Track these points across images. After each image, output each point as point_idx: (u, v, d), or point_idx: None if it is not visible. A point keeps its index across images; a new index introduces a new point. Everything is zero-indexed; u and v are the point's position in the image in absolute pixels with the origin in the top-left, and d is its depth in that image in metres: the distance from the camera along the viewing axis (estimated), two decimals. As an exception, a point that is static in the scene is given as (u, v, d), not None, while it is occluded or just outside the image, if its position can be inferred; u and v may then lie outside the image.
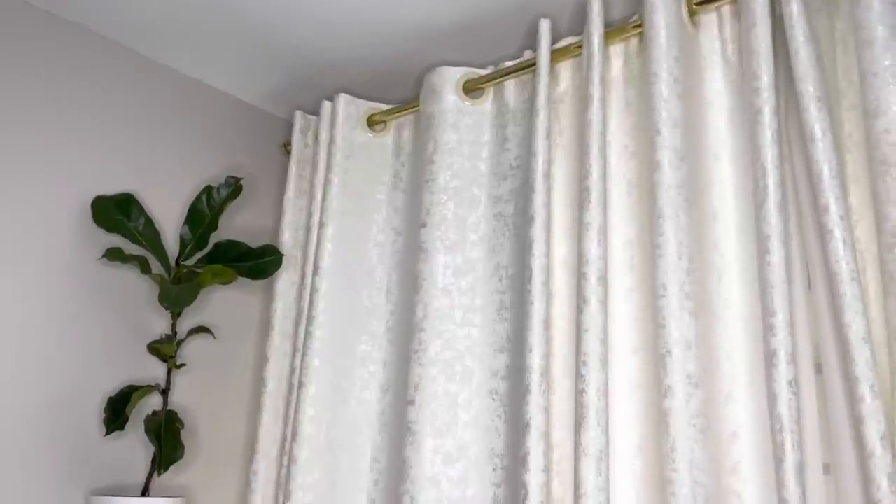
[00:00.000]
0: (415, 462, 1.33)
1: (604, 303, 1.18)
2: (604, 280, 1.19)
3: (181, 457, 1.39)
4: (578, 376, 1.14)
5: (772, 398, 0.99)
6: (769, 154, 1.09)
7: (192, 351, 1.63)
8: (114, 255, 1.40)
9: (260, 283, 1.78)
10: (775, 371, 1.00)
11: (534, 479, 1.16)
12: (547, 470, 1.19)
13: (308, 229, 1.64)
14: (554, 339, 1.30)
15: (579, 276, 1.20)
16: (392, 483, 1.40)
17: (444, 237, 1.44)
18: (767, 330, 1.02)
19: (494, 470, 1.30)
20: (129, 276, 1.55)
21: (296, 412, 1.46)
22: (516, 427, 1.26)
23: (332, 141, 1.61)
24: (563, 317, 1.31)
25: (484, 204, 1.47)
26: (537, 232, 1.28)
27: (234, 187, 1.56)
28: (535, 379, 1.21)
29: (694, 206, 1.18)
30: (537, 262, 1.26)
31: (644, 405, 1.18)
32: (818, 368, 1.08)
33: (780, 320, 1.00)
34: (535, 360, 1.22)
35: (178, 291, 1.42)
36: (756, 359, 1.10)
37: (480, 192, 1.48)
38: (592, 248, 1.20)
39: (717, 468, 1.10)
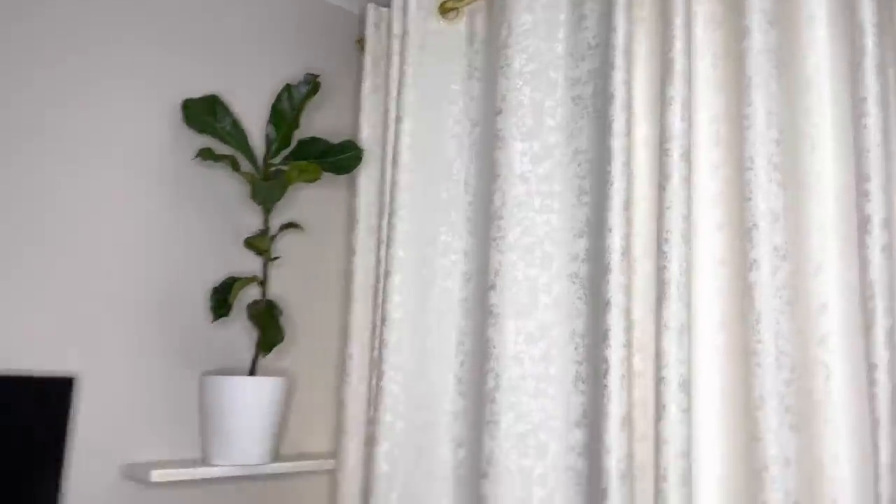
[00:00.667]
0: (498, 342, 1.39)
1: (687, 179, 1.16)
2: (687, 156, 1.16)
3: (281, 340, 1.49)
4: (660, 253, 1.14)
5: (864, 264, 0.97)
6: (867, 12, 1.01)
7: (284, 246, 1.72)
8: (206, 154, 1.48)
9: (343, 179, 1.84)
10: (868, 237, 0.97)
11: (614, 354, 1.19)
12: (628, 345, 1.21)
13: (386, 124, 1.67)
14: (634, 219, 1.29)
15: (661, 153, 1.17)
16: (477, 363, 1.47)
17: (520, 124, 1.43)
18: (861, 196, 0.98)
19: (576, 348, 1.34)
20: (220, 176, 1.63)
21: (384, 299, 1.53)
22: (597, 307, 1.28)
23: (405, 32, 1.60)
24: (644, 198, 1.30)
25: (561, 87, 1.44)
26: (617, 111, 1.25)
27: (313, 84, 1.58)
28: (615, 259, 1.22)
29: (785, 73, 1.12)
30: (617, 143, 1.24)
31: (728, 281, 1.18)
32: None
33: (874, 185, 0.96)
34: (615, 241, 1.22)
35: (267, 188, 1.49)
36: (848, 229, 1.07)
37: (557, 74, 1.45)
38: (676, 124, 1.17)
39: (805, 339, 1.09)
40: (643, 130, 1.30)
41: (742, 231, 1.10)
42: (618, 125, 1.24)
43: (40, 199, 1.38)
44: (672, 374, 1.10)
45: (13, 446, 1.26)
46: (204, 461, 1.48)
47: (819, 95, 1.12)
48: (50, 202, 1.39)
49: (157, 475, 1.36)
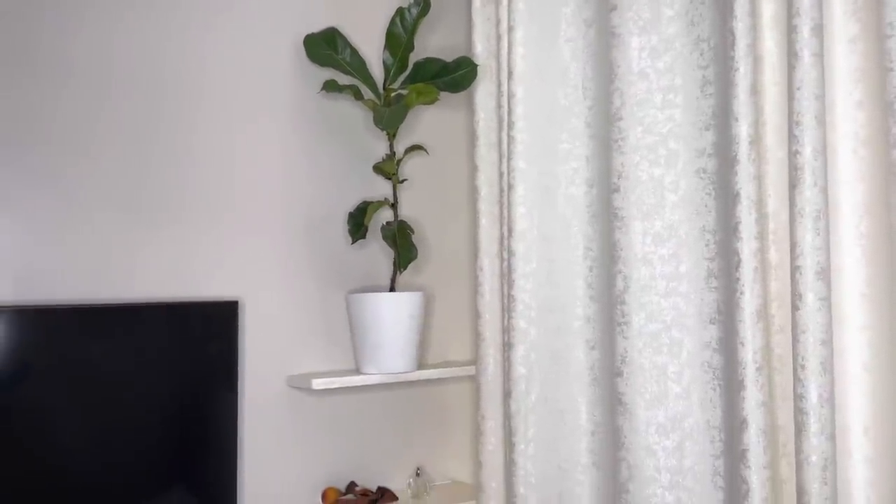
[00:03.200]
0: (624, 245, 1.39)
1: (819, 55, 1.08)
2: (818, 31, 1.08)
3: (416, 257, 1.59)
4: (791, 137, 1.09)
5: None
6: None
7: (411, 169, 1.79)
8: (331, 86, 1.55)
9: (461, 98, 1.87)
10: None
11: (746, 246, 1.16)
12: (761, 238, 1.18)
13: (498, 37, 1.66)
14: (764, 106, 1.23)
15: (789, 30, 1.10)
16: (605, 266, 1.48)
17: (636, 17, 1.38)
18: None
19: (706, 245, 1.32)
20: (345, 106, 1.71)
21: (509, 212, 1.57)
22: (726, 200, 1.25)
23: (510, -62, 1.57)
24: (774, 82, 1.23)
25: (678, -27, 1.36)
26: (739, -9, 1.17)
27: (423, 4, 1.60)
28: (742, 149, 1.17)
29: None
30: (740, 25, 1.17)
31: (870, 162, 1.10)
32: None
33: None
34: (742, 129, 1.17)
35: (389, 113, 1.55)
36: None
37: (673, -40, 1.37)
38: (804, -4, 1.08)
39: (960, 217, 1.01)
40: (769, 10, 1.21)
41: (884, 105, 1.02)
42: (740, 4, 1.17)
43: (191, 144, 1.53)
44: (808, 262, 1.07)
45: (193, 364, 1.45)
46: (357, 371, 1.63)
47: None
48: (200, 145, 1.54)
49: (317, 384, 1.52)
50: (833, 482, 1.04)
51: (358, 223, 1.60)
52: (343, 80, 1.66)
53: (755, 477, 1.11)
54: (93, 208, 1.43)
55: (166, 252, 1.49)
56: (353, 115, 1.73)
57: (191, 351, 1.45)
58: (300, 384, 1.57)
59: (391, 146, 1.64)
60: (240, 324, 1.56)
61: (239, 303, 1.55)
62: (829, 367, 1.05)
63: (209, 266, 1.54)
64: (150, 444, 1.40)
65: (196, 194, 1.53)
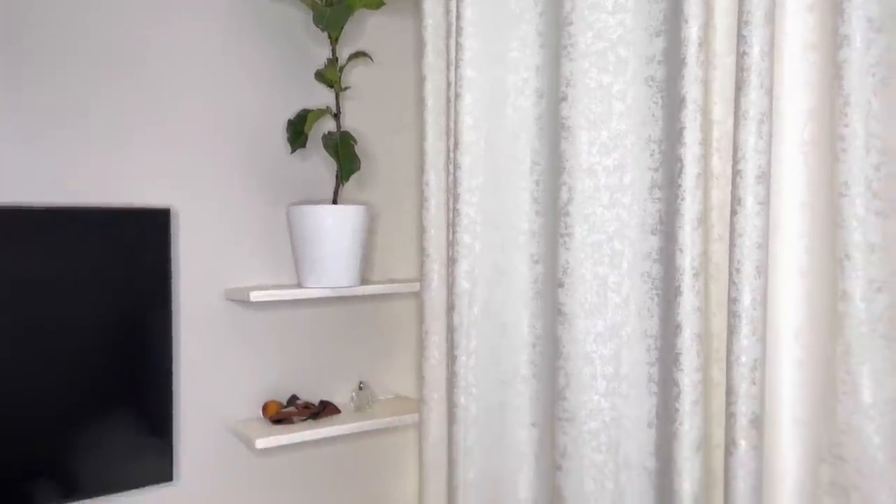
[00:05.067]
0: (570, 155, 1.37)
1: (772, -48, 1.04)
2: (773, -75, 1.04)
3: (358, 167, 1.54)
4: (740, 38, 1.06)
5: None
6: None
7: (355, 77, 1.72)
8: (267, -18, 1.46)
9: (409, 5, 1.79)
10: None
11: (689, 152, 1.15)
12: (705, 143, 1.16)
13: (448, -63, 1.58)
14: (715, 9, 1.19)
15: (743, -76, 1.05)
16: (551, 179, 1.46)
17: (589, -85, 1.32)
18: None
19: (651, 155, 1.30)
20: (283, 8, 1.62)
21: (456, 122, 1.53)
22: (673, 107, 1.23)
23: None
24: (726, -15, 1.19)
25: None
26: None
27: None
28: (691, 52, 1.14)
29: None
30: (694, -80, 1.13)
31: (818, 66, 1.09)
32: None
33: None
34: (692, 31, 1.14)
35: (331, 12, 1.47)
36: (961, -10, 0.95)
37: None
38: None
39: (899, 121, 1.01)
40: None
41: (833, 6, 1.00)
42: None
43: (121, 46, 1.43)
44: (749, 166, 1.06)
45: (125, 275, 1.40)
46: (298, 285, 1.60)
47: None
48: (130, 47, 1.44)
49: (255, 295, 1.48)
50: (761, 382, 1.06)
51: (297, 131, 1.54)
52: (282, -23, 1.57)
53: (687, 379, 1.13)
54: (23, 112, 1.33)
55: (97, 159, 1.41)
56: (294, 18, 1.64)
57: (122, 261, 1.39)
58: (238, 297, 1.53)
59: (333, 51, 1.57)
60: (174, 234, 1.50)
61: (172, 211, 1.48)
62: (763, 270, 1.06)
63: (141, 174, 1.46)
64: (80, 359, 1.35)
65: (128, 100, 1.44)
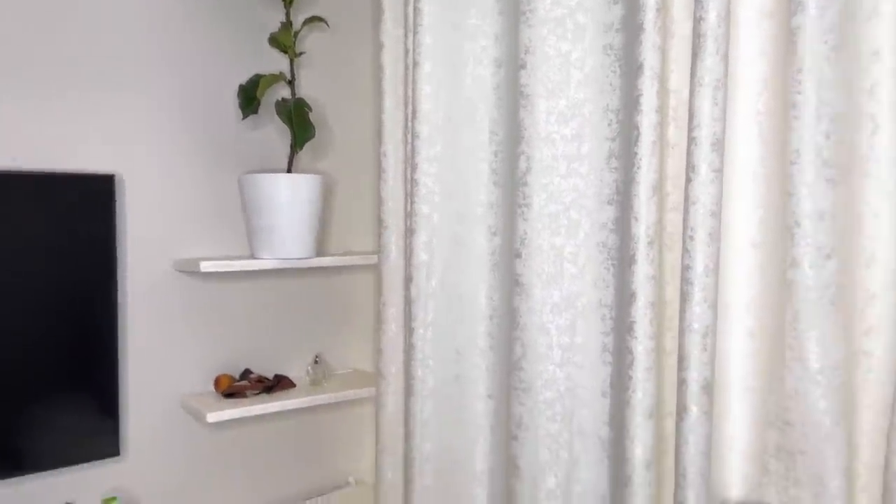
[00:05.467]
0: (528, 124, 1.35)
1: (729, -84, 1.03)
2: None
3: (313, 135, 1.50)
4: (696, 2, 1.05)
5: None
6: None
7: (311, 44, 1.68)
8: (217, -60, 1.40)
9: (366, -31, 1.74)
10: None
11: (645, 119, 1.14)
12: (661, 112, 1.16)
13: None
14: (673, -24, 1.18)
15: None
16: (510, 150, 1.45)
17: None
18: None
19: (609, 125, 1.29)
20: (238, -30, 1.56)
21: (413, 91, 1.50)
22: (630, 76, 1.22)
23: None
24: (684, -49, 1.18)
25: None
26: None
27: None
28: (649, 17, 1.13)
29: None
30: None
31: (772, 35, 1.09)
32: None
33: None
34: (649, -3, 1.13)
35: (284, -26, 1.42)
36: (912, -42, 0.95)
37: None
38: None
39: (850, 89, 1.02)
40: None
41: (789, -30, 0.99)
42: None
43: (64, 11, 1.36)
44: (704, 133, 1.05)
45: (67, 244, 1.34)
46: (252, 257, 1.56)
47: None
48: (74, 11, 1.37)
49: (205, 266, 1.44)
50: (712, 350, 1.07)
51: (250, 97, 1.49)
52: (233, -64, 1.51)
53: (640, 347, 1.13)
54: (-61, 63, 1.26)
55: (38, 122, 1.35)
56: (247, -20, 1.58)
57: (64, 230, 1.33)
58: (188, 268, 1.48)
59: (288, 15, 1.52)
60: (119, 201, 1.44)
61: (116, 178, 1.43)
62: (716, 237, 1.06)
63: (85, 139, 1.40)
64: (22, 333, 1.30)
65: (71, 63, 1.38)
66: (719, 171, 1.06)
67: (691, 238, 1.06)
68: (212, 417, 1.44)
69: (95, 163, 1.41)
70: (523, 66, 1.35)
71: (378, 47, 1.64)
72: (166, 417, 1.52)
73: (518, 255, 1.37)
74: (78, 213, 1.35)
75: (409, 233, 1.53)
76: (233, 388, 1.53)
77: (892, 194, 1.02)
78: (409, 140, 1.54)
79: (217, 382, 1.55)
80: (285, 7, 1.52)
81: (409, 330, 1.52)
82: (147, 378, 1.50)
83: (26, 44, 1.33)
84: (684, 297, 1.07)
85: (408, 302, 1.52)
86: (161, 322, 1.51)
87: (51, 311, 1.32)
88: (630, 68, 1.22)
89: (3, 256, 1.27)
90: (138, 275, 1.47)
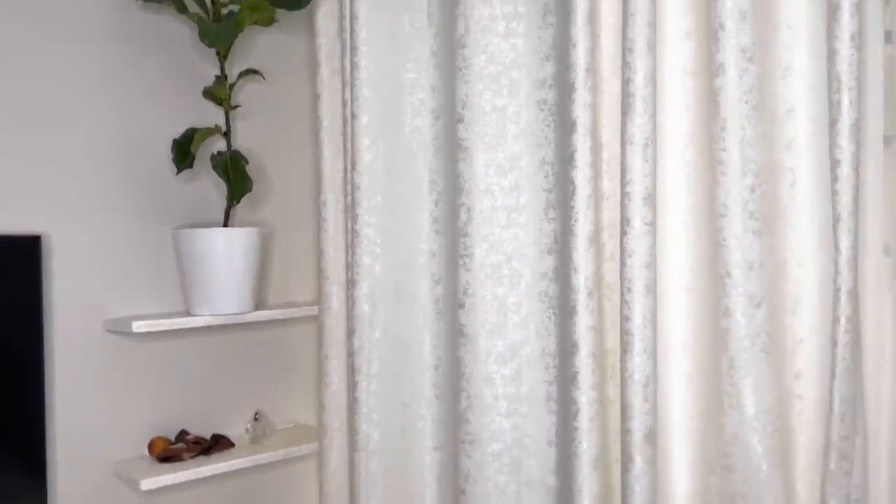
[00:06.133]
0: (468, 176, 1.37)
1: (652, -17, 1.09)
2: (652, -43, 1.09)
3: (250, 189, 1.48)
4: (624, 64, 1.10)
5: (831, 55, 0.93)
6: None
7: (246, 96, 1.66)
8: (148, -5, 1.39)
9: (301, 19, 1.75)
10: (837, 26, 0.92)
11: (580, 174, 1.17)
12: (595, 166, 1.19)
13: (341, -45, 1.56)
14: (602, 35, 1.23)
15: (625, -44, 1.09)
16: (450, 199, 1.46)
17: (480, -60, 1.33)
18: (830, -20, 0.92)
19: (546, 176, 1.32)
20: (167, 22, 1.54)
21: (353, 143, 1.50)
22: (564, 130, 1.25)
23: None
24: (610, 11, 1.24)
25: None
26: (579, -87, 1.15)
27: (256, -89, 1.46)
28: (580, 76, 1.17)
29: None
30: (580, -50, 1.16)
31: (696, 92, 1.14)
32: (886, 61, 0.99)
33: (845, -33, 0.90)
34: (579, 56, 1.17)
35: (218, 28, 1.41)
36: (821, 26, 1.02)
37: None
38: (640, -79, 1.08)
39: (771, 145, 1.07)
40: (608, -65, 1.21)
41: (708, 34, 1.05)
42: (580, -71, 1.15)
43: (-22, 53, 1.31)
44: (637, 189, 1.09)
45: (-8, 303, 1.28)
46: (187, 313, 1.51)
47: None
48: (1, 58, 1.33)
49: (137, 326, 1.38)
50: (653, 398, 1.09)
51: (184, 151, 1.46)
52: (165, -10, 1.49)
53: (584, 398, 1.15)
54: None
55: (-52, 178, 1.29)
56: (180, 33, 1.56)
57: (-16, 292, 1.26)
58: (119, 328, 1.42)
59: (222, 68, 1.50)
60: (45, 263, 1.38)
61: (42, 238, 1.37)
62: (652, 289, 1.09)
63: (9, 196, 1.34)
64: (-67, 399, 1.22)
65: (-15, 112, 1.32)
66: (652, 224, 1.10)
67: (629, 290, 1.09)
68: (146, 484, 1.37)
69: (21, 222, 1.35)
70: (461, 120, 1.38)
71: (314, 98, 1.64)
72: (99, 485, 1.44)
73: (461, 306, 1.37)
74: (2, 276, 1.28)
75: (350, 284, 1.52)
76: (168, 451, 1.47)
77: (813, 242, 1.07)
78: (350, 191, 1.53)
79: (151, 446, 1.49)
80: (220, 61, 1.50)
81: (352, 383, 1.50)
82: (77, 444, 1.42)
83: (-57, 101, 1.28)
84: (624, 348, 1.09)
85: (350, 354, 1.50)
86: (92, 385, 1.44)
87: (-31, 381, 1.25)
88: (564, 123, 1.26)
89: (-84, 326, 1.20)
90: (67, 336, 1.41)
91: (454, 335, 1.42)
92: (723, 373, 1.08)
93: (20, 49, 1.36)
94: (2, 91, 1.34)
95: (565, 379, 1.23)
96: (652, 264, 1.09)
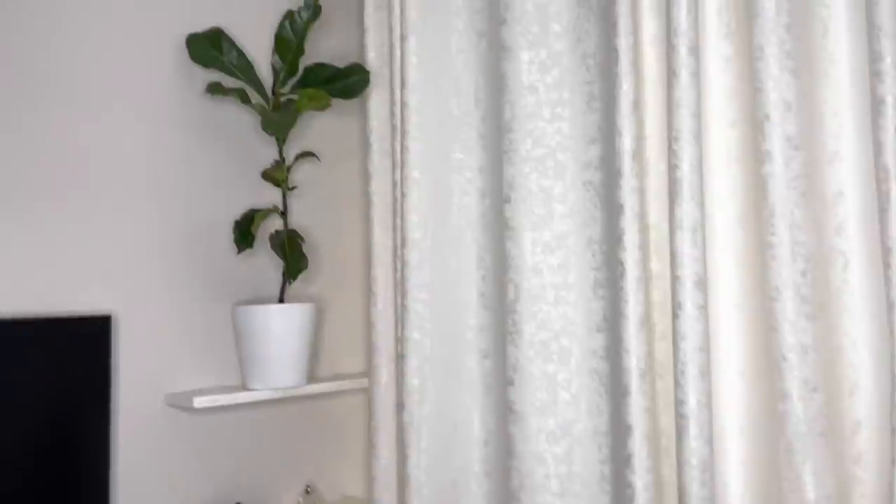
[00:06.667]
0: (515, 254, 1.40)
1: (696, 75, 1.13)
2: (695, 51, 1.13)
3: (306, 267, 1.53)
4: (671, 153, 1.13)
5: (877, 148, 0.95)
6: None
7: (302, 176, 1.74)
8: (215, 88, 1.48)
9: (354, 104, 1.83)
10: (882, 119, 0.94)
11: (630, 256, 1.20)
12: (643, 248, 1.22)
13: (391, 44, 1.64)
14: (646, 121, 1.27)
15: (668, 49, 1.14)
16: (497, 275, 1.49)
17: (525, 32, 1.40)
18: (874, 76, 0.95)
19: (593, 255, 1.35)
20: (232, 110, 1.64)
21: (402, 220, 1.55)
22: (611, 212, 1.29)
23: (403, -54, 1.56)
24: (655, 98, 1.28)
25: (565, -10, 1.40)
26: (622, 9, 1.21)
27: (314, 8, 1.56)
28: (626, 162, 1.21)
29: (795, -47, 1.07)
30: (623, 42, 1.21)
31: (743, 177, 1.17)
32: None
33: (887, 65, 0.93)
34: (625, 144, 1.21)
35: (278, 118, 1.50)
36: (864, 114, 1.04)
37: (561, -23, 1.40)
38: (682, 18, 1.13)
39: (820, 229, 1.09)
40: (650, 28, 1.26)
41: (754, 123, 1.08)
42: (623, 24, 1.21)
43: (62, 147, 1.41)
44: (687, 272, 1.11)
45: (61, 384, 1.34)
46: (243, 387, 1.55)
47: (832, -26, 1.07)
48: (72, 147, 1.42)
49: (199, 401, 1.43)
50: (711, 484, 1.09)
51: (244, 232, 1.53)
52: (229, 82, 1.59)
53: (640, 481, 1.14)
54: (-61, 215, 1.29)
55: (32, 263, 1.37)
56: (241, 120, 1.66)
57: (58, 373, 1.33)
58: (180, 403, 1.47)
59: (280, 152, 1.58)
60: (113, 340, 1.45)
61: (112, 318, 1.44)
62: (706, 372, 1.10)
63: (80, 278, 1.42)
64: (14, 478, 1.27)
65: (70, 202, 1.41)
66: (703, 308, 1.11)
67: (682, 373, 1.10)
68: (203, 561, 1.39)
69: (92, 302, 1.43)
70: (507, 201, 1.42)
71: (366, 177, 1.71)
72: (154, 561, 1.47)
73: (511, 383, 1.39)
74: (74, 355, 1.34)
75: (399, 358, 1.55)
76: (224, 526, 1.50)
77: (868, 325, 1.07)
78: (399, 267, 1.58)
79: (207, 520, 1.51)
80: (278, 145, 1.58)
81: (402, 458, 1.51)
82: (134, 519, 1.46)
83: (32, 184, 1.37)
84: (680, 432, 1.10)
85: (400, 428, 1.52)
86: (152, 459, 1.48)
87: (41, 455, 1.30)
88: (611, 205, 1.29)
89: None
90: (130, 410, 1.46)
91: (503, 411, 1.43)
92: (781, 457, 1.07)
93: (95, 137, 1.46)
94: (77, 178, 1.43)
95: (619, 460, 1.23)
96: (705, 347, 1.10)
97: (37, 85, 1.39)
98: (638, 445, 1.16)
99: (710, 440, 1.09)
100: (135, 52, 1.51)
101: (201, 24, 1.59)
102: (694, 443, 1.08)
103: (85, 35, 1.45)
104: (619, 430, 1.23)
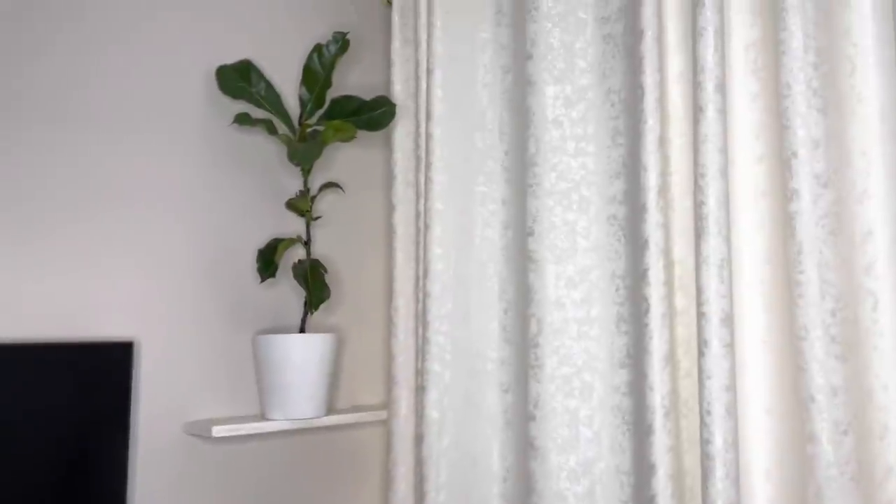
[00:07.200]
0: (538, 287, 1.40)
1: (722, 111, 1.13)
2: (721, 87, 1.13)
3: (328, 297, 1.54)
4: (697, 188, 1.13)
5: (908, 187, 0.94)
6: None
7: (325, 206, 1.76)
8: (243, 119, 1.51)
9: (379, 136, 1.86)
10: (913, 158, 0.93)
11: (654, 292, 1.19)
12: (668, 284, 1.21)
13: (417, 78, 1.67)
14: (671, 157, 1.27)
15: (694, 86, 1.15)
16: (520, 309, 1.49)
17: (551, 67, 1.42)
18: (904, 115, 0.95)
19: (617, 290, 1.34)
20: (259, 140, 1.66)
21: (425, 252, 1.56)
22: (635, 247, 1.28)
23: (430, -18, 1.59)
24: (680, 134, 1.28)
25: (591, 27, 1.41)
26: (648, 46, 1.22)
27: (342, 42, 1.59)
28: (651, 198, 1.21)
29: (822, -8, 1.08)
30: (649, 79, 1.22)
31: (770, 212, 1.16)
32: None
33: (919, 103, 0.93)
34: (650, 179, 1.21)
35: (304, 149, 1.52)
36: (894, 151, 1.03)
37: (586, 14, 1.42)
38: (708, 55, 1.14)
39: (849, 268, 1.07)
40: (676, 64, 1.27)
41: (782, 160, 1.08)
42: (649, 61, 1.21)
43: (89, 173, 1.44)
44: (713, 309, 1.10)
45: (81, 409, 1.34)
46: (262, 417, 1.55)
47: (859, 12, 1.07)
48: (101, 174, 1.45)
49: (217, 430, 1.43)
50: (737, 526, 1.06)
51: (268, 261, 1.54)
52: (257, 113, 1.61)
53: (663, 523, 1.12)
54: (-28, 239, 1.31)
55: (58, 288, 1.39)
56: (267, 150, 1.68)
57: (80, 398, 1.34)
58: (199, 431, 1.47)
59: (305, 182, 1.60)
60: (135, 366, 1.45)
61: (134, 344, 1.45)
62: (733, 411, 1.08)
63: (104, 304, 1.43)
64: (35, 500, 1.27)
65: (97, 229, 1.44)
66: (730, 346, 1.09)
67: (708, 412, 1.08)
68: (217, 593, 1.38)
69: (115, 328, 1.44)
70: (531, 234, 1.42)
71: (390, 208, 1.72)
72: (168, 591, 1.46)
73: (532, 418, 1.37)
74: (96, 380, 1.35)
75: (419, 390, 1.54)
76: (239, 557, 1.48)
77: (899, 366, 1.05)
78: (421, 298, 1.58)
79: (222, 551, 1.50)
80: (303, 175, 1.60)
81: (420, 493, 1.49)
82: (150, 547, 1.45)
83: (58, 213, 1.39)
84: (705, 473, 1.07)
85: (419, 463, 1.51)
86: (169, 487, 1.48)
87: (59, 479, 1.30)
88: (635, 240, 1.29)
89: (17, 425, 1.27)
90: (149, 437, 1.46)
91: (524, 447, 1.41)
92: (810, 501, 1.04)
93: (123, 165, 1.48)
94: (105, 205, 1.45)
95: (642, 500, 1.20)
96: (731, 386, 1.08)
97: (69, 112, 1.43)
98: (662, 485, 1.13)
99: (736, 481, 1.06)
100: (167, 82, 1.54)
101: (232, 56, 1.62)
102: (720, 484, 1.05)
103: (119, 65, 1.49)
104: (642, 470, 1.20)
